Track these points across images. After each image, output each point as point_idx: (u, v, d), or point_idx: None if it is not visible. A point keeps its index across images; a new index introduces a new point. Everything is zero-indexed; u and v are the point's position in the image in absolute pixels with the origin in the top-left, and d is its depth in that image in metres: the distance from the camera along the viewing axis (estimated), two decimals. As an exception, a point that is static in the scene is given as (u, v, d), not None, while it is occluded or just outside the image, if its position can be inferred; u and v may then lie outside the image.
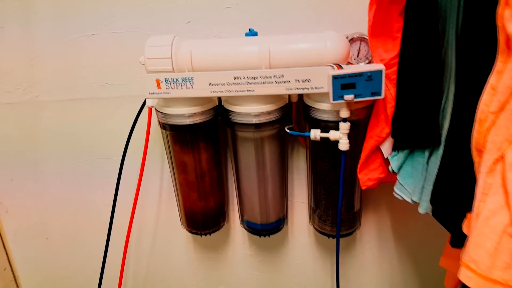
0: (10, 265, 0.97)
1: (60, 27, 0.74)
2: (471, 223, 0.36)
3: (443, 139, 0.50)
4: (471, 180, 0.39)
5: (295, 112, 0.69)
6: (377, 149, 0.62)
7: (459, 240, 0.43)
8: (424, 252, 0.80)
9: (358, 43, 0.64)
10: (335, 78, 0.53)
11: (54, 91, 0.79)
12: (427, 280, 0.82)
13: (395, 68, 0.54)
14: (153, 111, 0.68)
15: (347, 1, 0.65)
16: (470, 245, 0.35)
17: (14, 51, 0.77)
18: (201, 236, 0.78)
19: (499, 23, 0.33)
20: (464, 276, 0.35)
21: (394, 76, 0.54)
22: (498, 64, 0.35)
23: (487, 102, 0.35)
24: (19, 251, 0.96)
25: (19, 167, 0.87)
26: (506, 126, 0.34)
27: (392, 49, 0.54)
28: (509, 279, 0.33)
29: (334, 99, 0.55)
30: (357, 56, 0.65)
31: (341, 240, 0.82)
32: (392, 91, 0.55)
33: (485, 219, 0.34)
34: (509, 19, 0.32)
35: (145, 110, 0.70)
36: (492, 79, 0.35)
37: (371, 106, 0.61)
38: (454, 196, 0.44)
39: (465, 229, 0.41)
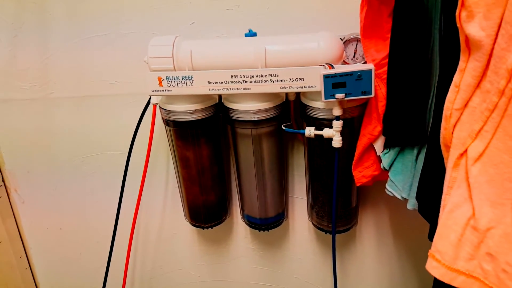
0: (26, 254, 1.02)
1: (73, 28, 0.78)
2: (439, 215, 0.38)
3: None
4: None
5: (293, 110, 0.71)
6: (371, 147, 0.63)
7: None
8: (422, 248, 0.81)
9: (354, 43, 0.66)
10: (326, 77, 0.55)
11: (67, 88, 0.83)
12: (426, 275, 0.83)
13: (386, 68, 0.56)
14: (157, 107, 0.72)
15: (344, 3, 0.67)
16: (436, 236, 0.37)
17: (31, 50, 0.81)
18: (203, 229, 0.81)
19: (458, 24, 0.35)
20: (430, 266, 0.36)
21: (385, 76, 0.56)
22: (461, 63, 0.36)
23: (451, 99, 0.37)
24: (34, 241, 1.01)
25: (35, 160, 0.92)
26: (469, 122, 0.35)
27: (383, 49, 0.55)
28: (472, 269, 0.34)
29: (326, 98, 0.57)
30: (354, 56, 0.66)
31: (340, 236, 0.83)
32: (383, 90, 0.57)
33: (449, 212, 0.36)
34: (465, 20, 0.34)
35: (151, 107, 0.73)
36: (456, 77, 0.37)
37: (364, 104, 0.62)
38: (434, 191, 0.45)
39: None
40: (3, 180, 0.95)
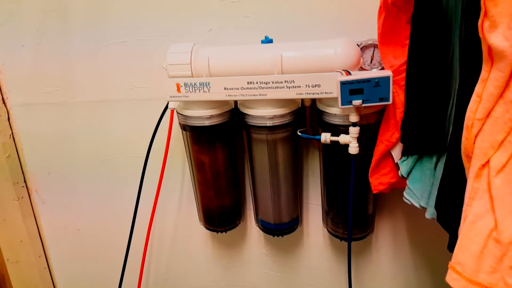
0: (45, 253, 1.04)
1: (93, 35, 0.80)
2: (460, 226, 0.37)
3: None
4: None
5: (308, 116, 0.71)
6: (388, 154, 0.63)
7: (455, 244, 0.43)
8: (440, 258, 0.79)
9: (371, 49, 0.65)
10: (343, 83, 0.55)
11: (88, 92, 0.85)
12: (443, 286, 0.81)
13: (404, 74, 0.55)
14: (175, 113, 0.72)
15: (361, 9, 0.67)
16: (457, 248, 0.36)
17: (54, 56, 0.84)
18: (217, 233, 0.81)
19: (480, 34, 0.34)
20: (450, 278, 0.36)
21: (403, 82, 0.56)
22: (483, 73, 0.35)
23: (473, 109, 0.36)
24: (53, 240, 1.03)
25: (56, 162, 0.94)
26: (492, 133, 0.34)
27: (401, 56, 0.55)
28: (494, 282, 0.33)
29: (342, 104, 0.57)
30: (371, 62, 0.66)
31: (356, 243, 0.83)
32: (402, 97, 0.56)
33: (471, 223, 0.35)
34: (488, 30, 0.33)
35: (168, 112, 0.74)
36: (477, 87, 0.36)
37: (382, 111, 0.62)
38: (454, 201, 0.45)
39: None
40: (24, 181, 0.97)
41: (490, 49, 0.34)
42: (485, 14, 0.33)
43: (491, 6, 0.33)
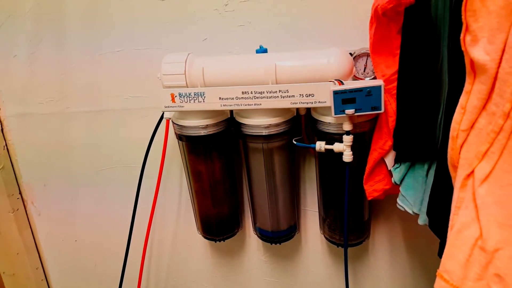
0: (42, 265, 1.04)
1: (89, 44, 0.80)
2: (448, 235, 0.38)
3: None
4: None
5: (304, 125, 0.72)
6: (382, 161, 0.63)
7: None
8: (436, 262, 0.79)
9: (364, 58, 0.66)
10: (336, 93, 0.56)
11: (83, 103, 0.85)
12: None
13: (395, 84, 0.56)
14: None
15: (354, 18, 0.67)
16: (444, 256, 0.37)
17: (48, 66, 0.84)
18: (215, 241, 0.81)
19: (463, 47, 0.35)
20: (438, 285, 0.36)
21: (395, 91, 0.56)
22: (466, 85, 0.36)
23: (458, 120, 0.37)
24: (50, 252, 1.03)
25: (51, 173, 0.94)
26: (476, 144, 0.35)
27: (393, 65, 0.56)
28: (480, 290, 0.34)
29: (335, 113, 0.57)
30: (364, 70, 0.67)
31: (354, 249, 0.83)
32: (393, 106, 0.57)
33: (457, 232, 0.36)
34: (470, 44, 0.34)
35: (164, 122, 0.75)
36: (461, 99, 0.37)
37: (375, 119, 0.63)
38: (444, 208, 0.45)
39: None
40: (20, 193, 0.97)
41: (472, 62, 0.35)
42: (467, 29, 0.34)
43: (471, 22, 0.34)
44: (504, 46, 0.32)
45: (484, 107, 0.35)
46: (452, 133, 0.38)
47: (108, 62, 0.81)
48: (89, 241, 0.99)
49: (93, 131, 0.88)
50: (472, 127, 0.36)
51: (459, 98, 0.38)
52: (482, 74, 0.34)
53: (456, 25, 0.39)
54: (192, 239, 0.92)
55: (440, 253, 0.48)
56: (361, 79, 0.66)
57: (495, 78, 0.33)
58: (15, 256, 0.98)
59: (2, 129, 0.92)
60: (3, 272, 0.99)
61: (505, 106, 0.32)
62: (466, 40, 0.35)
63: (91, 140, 0.89)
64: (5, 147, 0.93)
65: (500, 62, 0.33)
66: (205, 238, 0.81)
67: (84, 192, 0.94)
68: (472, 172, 0.36)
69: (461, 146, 0.37)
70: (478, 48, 0.34)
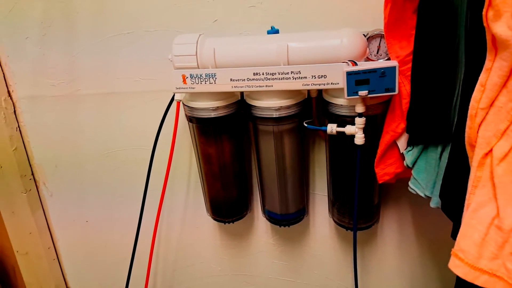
0: (54, 245, 1.06)
1: (99, 26, 0.80)
2: (463, 214, 0.38)
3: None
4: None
5: (315, 107, 0.71)
6: (394, 144, 0.63)
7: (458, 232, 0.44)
8: (444, 246, 0.80)
9: (378, 39, 0.65)
10: (349, 74, 0.55)
11: (93, 85, 0.86)
12: (448, 274, 0.82)
13: (410, 65, 0.55)
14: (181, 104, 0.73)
15: (368, -1, 0.66)
16: (459, 235, 0.37)
17: (59, 48, 0.84)
18: (224, 223, 0.82)
19: (484, 23, 0.34)
20: (453, 264, 0.36)
21: (409, 73, 0.56)
22: (487, 63, 0.36)
23: (477, 98, 0.36)
24: (62, 232, 1.05)
25: (62, 155, 0.95)
26: (495, 122, 0.35)
27: (407, 46, 0.55)
28: (495, 268, 0.34)
29: (348, 95, 0.57)
30: (377, 52, 0.66)
31: (362, 233, 0.83)
32: (407, 87, 0.56)
33: (473, 211, 0.36)
34: (492, 19, 0.33)
35: (174, 104, 0.75)
36: (481, 77, 0.36)
37: (387, 101, 0.62)
38: (458, 190, 0.45)
39: None
40: (32, 174, 0.98)
41: (494, 38, 0.34)
42: (489, 4, 0.34)
43: None
44: None
45: (504, 84, 0.34)
46: (470, 111, 0.37)
47: (119, 44, 0.81)
48: (100, 222, 1.00)
49: (103, 114, 0.88)
50: (491, 105, 0.35)
51: (476, 78, 0.38)
52: (504, 50, 0.33)
53: (475, 2, 0.38)
54: (201, 221, 0.92)
55: (454, 235, 0.48)
56: (374, 61, 0.65)
57: None
58: (27, 235, 1.00)
59: (14, 111, 0.92)
60: (17, 251, 1.01)
61: None
62: (488, 15, 0.34)
63: (102, 122, 0.89)
64: (18, 128, 0.94)
65: None
66: (214, 220, 0.82)
67: (95, 174, 0.95)
68: (490, 151, 0.35)
69: (480, 125, 0.36)
70: (501, 23, 0.33)
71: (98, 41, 0.81)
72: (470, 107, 0.37)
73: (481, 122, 0.36)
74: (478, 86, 0.37)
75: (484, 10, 0.34)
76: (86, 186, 0.97)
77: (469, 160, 0.39)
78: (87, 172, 0.95)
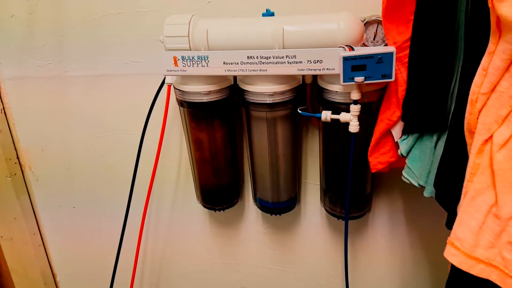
0: (40, 231, 1.04)
1: (89, 5, 0.77)
2: (460, 202, 0.37)
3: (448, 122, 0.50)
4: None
5: (309, 94, 0.70)
6: (388, 133, 0.62)
7: (453, 221, 0.43)
8: (436, 237, 0.80)
9: (375, 26, 0.64)
10: (345, 59, 0.54)
11: (82, 66, 0.83)
12: (439, 264, 0.83)
13: (407, 51, 0.54)
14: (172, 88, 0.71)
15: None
16: (456, 223, 0.36)
17: (46, 28, 0.81)
18: (215, 211, 0.80)
19: (489, 4, 0.33)
20: (448, 253, 0.36)
21: (406, 59, 0.54)
22: (490, 46, 0.35)
23: (478, 83, 0.35)
24: (48, 218, 1.03)
25: (49, 139, 0.92)
26: (496, 107, 0.34)
27: (405, 32, 0.54)
28: (491, 257, 0.33)
29: (344, 81, 0.55)
30: (374, 39, 0.65)
31: (353, 222, 0.83)
32: (404, 75, 0.55)
33: (471, 199, 0.35)
34: (498, 0, 0.32)
35: (165, 87, 0.73)
36: (483, 61, 0.35)
37: (383, 89, 0.61)
38: (453, 179, 0.44)
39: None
40: (17, 158, 0.96)
41: (498, 20, 0.33)
42: None
43: None
44: None
45: (507, 68, 0.33)
46: (471, 96, 0.36)
47: (108, 25, 0.78)
48: (87, 208, 0.98)
49: (91, 96, 0.86)
50: (493, 90, 0.34)
51: (475, 64, 0.37)
52: (509, 32, 0.32)
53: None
54: (191, 208, 0.91)
55: (449, 224, 0.47)
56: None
57: None
58: (12, 220, 0.97)
59: (-1, 92, 0.90)
60: (1, 237, 0.98)
61: None
62: None
63: (90, 105, 0.87)
64: (3, 110, 0.91)
65: None
66: (205, 207, 0.81)
67: (82, 159, 0.93)
68: (491, 137, 0.34)
69: (480, 111, 0.35)
70: (507, 3, 0.32)
71: (87, 20, 0.78)
72: (470, 92, 0.36)
73: (482, 107, 0.35)
74: (480, 70, 0.36)
75: None
76: (73, 170, 0.95)
77: (468, 147, 0.38)
78: (74, 156, 0.93)
